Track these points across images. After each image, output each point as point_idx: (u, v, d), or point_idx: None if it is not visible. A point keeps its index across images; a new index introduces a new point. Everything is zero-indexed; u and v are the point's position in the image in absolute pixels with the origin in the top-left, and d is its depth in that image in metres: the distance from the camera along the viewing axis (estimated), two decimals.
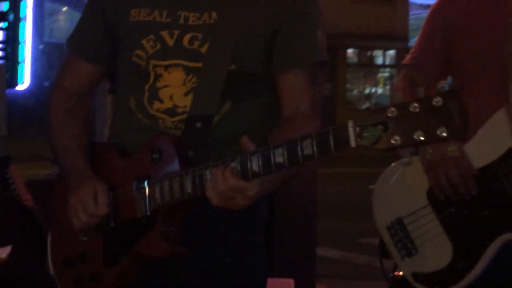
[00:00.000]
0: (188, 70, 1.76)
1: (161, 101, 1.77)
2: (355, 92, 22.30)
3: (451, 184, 2.04)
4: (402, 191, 2.18)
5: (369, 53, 22.24)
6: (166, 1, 1.80)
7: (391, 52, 21.72)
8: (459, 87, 2.21)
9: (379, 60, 22.54)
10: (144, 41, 1.79)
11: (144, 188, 1.69)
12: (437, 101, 1.30)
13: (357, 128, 1.38)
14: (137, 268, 1.74)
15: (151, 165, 1.70)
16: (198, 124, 1.73)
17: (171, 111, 1.76)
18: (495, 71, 2.10)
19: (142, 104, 1.78)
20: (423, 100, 1.32)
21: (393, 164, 2.22)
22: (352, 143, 1.38)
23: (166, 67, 1.77)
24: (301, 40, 1.79)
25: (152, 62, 1.78)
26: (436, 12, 2.26)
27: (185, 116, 1.75)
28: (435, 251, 2.10)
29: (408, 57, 2.32)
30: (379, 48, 21.80)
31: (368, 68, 22.37)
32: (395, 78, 22.00)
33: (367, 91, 22.45)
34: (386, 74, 22.51)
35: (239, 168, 1.53)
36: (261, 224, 1.89)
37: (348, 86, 21.87)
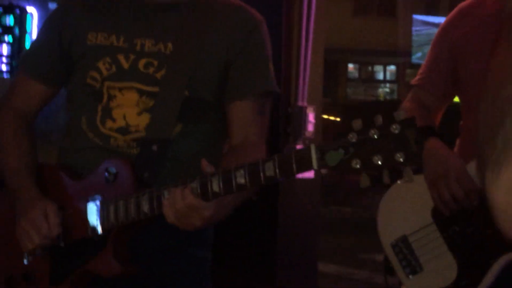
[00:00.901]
0: (141, 93, 1.81)
1: (114, 120, 1.81)
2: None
3: (454, 198, 2.06)
4: (407, 209, 2.19)
5: (369, 68, 22.28)
6: (123, 27, 1.85)
7: (392, 68, 21.76)
8: (466, 107, 2.23)
9: (380, 76, 22.58)
10: (100, 63, 1.83)
11: (97, 207, 1.71)
12: (395, 128, 1.37)
13: (319, 151, 1.43)
14: (84, 285, 1.76)
15: (105, 185, 1.73)
16: (154, 147, 1.76)
17: (124, 130, 1.79)
18: None
19: (94, 124, 1.82)
20: (381, 126, 1.39)
21: (398, 182, 2.23)
22: (314, 165, 1.44)
23: (120, 89, 1.81)
24: (253, 70, 1.85)
25: (107, 83, 1.82)
26: (442, 33, 2.28)
27: (137, 135, 1.79)
28: (440, 269, 2.10)
29: (416, 78, 2.34)
30: (380, 64, 21.84)
31: (369, 83, 22.40)
32: (395, 93, 22.06)
33: None
34: (387, 89, 22.54)
35: (199, 188, 1.57)
36: (208, 240, 1.91)
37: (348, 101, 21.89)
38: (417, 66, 17.71)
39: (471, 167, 2.08)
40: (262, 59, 1.87)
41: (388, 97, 22.25)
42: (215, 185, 1.55)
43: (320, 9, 3.52)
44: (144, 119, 1.80)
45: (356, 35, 19.18)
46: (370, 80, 22.40)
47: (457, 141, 2.28)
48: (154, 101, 1.79)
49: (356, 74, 22.33)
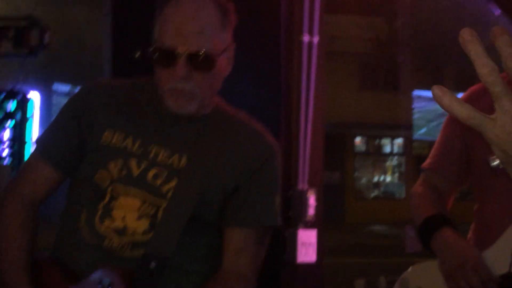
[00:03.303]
0: (144, 201, 1.80)
1: (113, 220, 1.79)
2: (364, 180, 22.25)
3: None
4: None
5: (376, 141, 22.33)
6: (141, 131, 1.84)
7: (399, 141, 21.81)
8: (480, 191, 2.18)
9: (387, 149, 22.61)
10: (111, 164, 1.81)
11: None
12: None
13: None
14: None
15: None
16: (153, 264, 1.73)
17: (121, 231, 1.77)
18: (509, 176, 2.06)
19: (91, 222, 1.79)
20: None
21: (409, 269, 2.18)
22: None
23: (125, 193, 1.80)
24: (258, 201, 1.84)
25: (114, 185, 1.80)
26: (451, 119, 2.24)
27: (133, 238, 1.77)
28: None
29: (427, 161, 2.30)
30: (386, 137, 21.91)
31: (376, 156, 22.41)
32: (403, 166, 22.05)
33: (375, 179, 22.40)
34: (394, 162, 22.52)
35: None
36: None
37: (356, 174, 21.86)
38: (422, 141, 17.70)
39: (487, 255, 2.02)
40: (270, 191, 1.86)
41: (396, 170, 22.22)
42: None
43: (319, 90, 3.52)
44: (143, 224, 1.78)
45: (362, 109, 19.32)
46: (377, 153, 22.41)
47: (472, 226, 2.22)
48: (160, 215, 1.78)
49: (363, 148, 22.37)
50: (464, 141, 2.19)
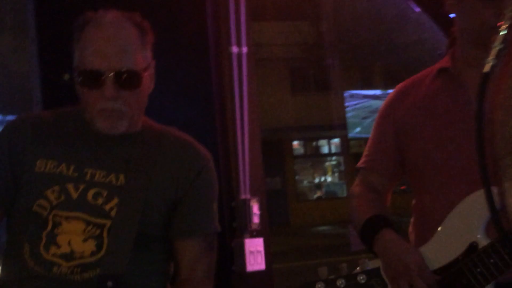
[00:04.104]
0: (88, 223, 1.80)
1: (58, 246, 1.79)
2: (305, 183, 22.45)
3: None
4: None
5: (314, 143, 22.57)
6: (73, 156, 1.85)
7: (336, 141, 22.09)
8: (417, 186, 2.21)
9: (325, 149, 22.87)
10: (48, 192, 1.81)
11: None
12: (362, 278, 1.52)
13: None
14: None
15: None
16: (109, 283, 1.75)
17: (68, 256, 1.77)
18: (447, 168, 2.12)
19: (37, 251, 1.79)
20: (349, 276, 1.49)
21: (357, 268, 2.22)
22: None
23: (67, 218, 1.80)
24: (200, 211, 1.91)
25: (54, 212, 1.80)
26: (384, 114, 2.29)
27: (81, 261, 1.78)
28: None
29: (361, 160, 2.33)
30: (323, 138, 22.16)
31: (315, 158, 22.64)
32: (342, 165, 22.33)
33: (316, 180, 22.62)
34: (334, 162, 22.79)
35: None
36: None
37: (297, 177, 22.03)
38: (359, 138, 17.99)
39: (427, 249, 2.07)
40: (209, 199, 1.93)
41: (336, 170, 22.48)
42: None
43: (252, 99, 3.55)
44: (89, 246, 1.78)
45: (297, 112, 19.50)
46: (316, 155, 22.65)
47: (411, 220, 2.26)
48: (106, 235, 1.79)
49: (301, 151, 22.57)
50: (397, 137, 2.24)
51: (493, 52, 1.05)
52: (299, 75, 20.14)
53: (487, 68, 1.03)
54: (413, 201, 2.25)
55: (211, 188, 1.94)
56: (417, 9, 3.68)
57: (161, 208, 1.85)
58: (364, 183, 2.29)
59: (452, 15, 2.13)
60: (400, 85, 2.31)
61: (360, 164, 2.33)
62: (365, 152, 2.33)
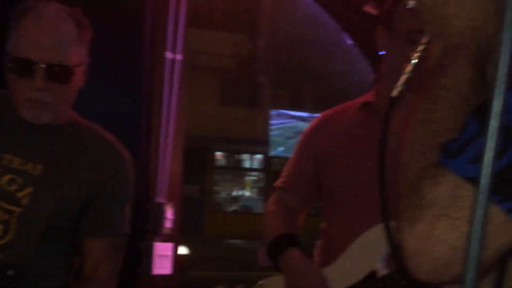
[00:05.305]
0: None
1: None
2: (223, 194, 22.46)
3: None
4: None
5: (236, 156, 22.63)
6: None
7: (258, 156, 22.21)
8: (329, 213, 2.29)
9: (247, 164, 22.96)
10: None
11: None
12: None
13: None
14: None
15: None
16: (10, 272, 1.75)
17: None
18: (357, 199, 2.20)
19: None
20: None
21: (264, 280, 2.27)
22: None
23: None
24: (113, 211, 1.94)
25: None
26: (305, 140, 2.37)
27: None
28: None
29: (280, 180, 2.40)
30: (246, 152, 22.25)
31: (236, 171, 22.69)
32: (262, 181, 22.45)
33: (234, 193, 22.67)
34: (254, 178, 22.90)
35: None
36: None
37: (216, 188, 22.02)
38: (281, 157, 18.14)
39: (330, 271, 2.14)
40: (123, 200, 1.96)
41: (255, 185, 22.59)
42: None
43: (180, 106, 3.59)
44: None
45: (224, 124, 19.53)
46: (237, 168, 22.71)
47: (318, 243, 2.33)
48: (14, 222, 1.78)
49: (223, 162, 22.59)
50: (315, 162, 2.32)
51: (403, 78, 1.09)
52: (230, 87, 20.20)
53: (394, 92, 1.07)
54: (322, 225, 2.33)
55: (125, 190, 1.96)
56: (350, 41, 3.81)
57: (74, 203, 1.86)
58: (279, 202, 2.37)
59: (381, 52, 2.23)
60: (324, 113, 2.40)
61: (277, 183, 2.40)
62: (284, 173, 2.40)
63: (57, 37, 1.81)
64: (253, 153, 22.09)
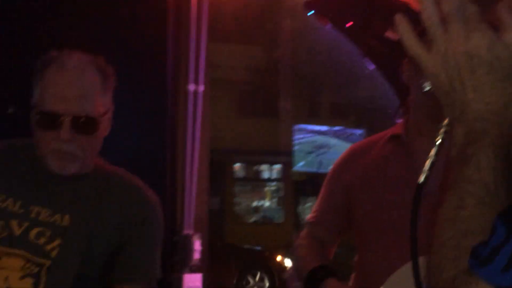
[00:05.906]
0: (28, 260, 1.81)
1: None
2: (243, 205, 22.45)
3: None
4: None
5: (255, 167, 22.62)
6: (21, 192, 1.86)
7: (277, 166, 22.19)
8: (362, 244, 2.31)
9: (266, 174, 22.94)
10: None
11: None
12: None
13: None
14: None
15: None
16: None
17: None
18: (389, 232, 2.20)
19: None
20: None
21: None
22: None
23: (7, 253, 1.82)
24: (143, 258, 1.92)
25: None
26: (335, 175, 2.39)
27: None
28: None
29: (310, 215, 2.42)
30: (265, 163, 22.23)
31: (255, 182, 22.67)
32: (281, 191, 22.42)
33: (254, 204, 22.65)
34: (273, 188, 22.87)
35: None
36: None
37: (236, 199, 22.02)
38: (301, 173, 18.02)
39: None
40: (153, 245, 1.95)
41: (274, 195, 22.55)
42: None
43: (204, 137, 3.61)
44: (26, 283, 1.79)
45: (241, 135, 19.54)
46: (256, 179, 22.69)
47: (352, 276, 2.34)
48: (44, 274, 1.79)
49: (242, 174, 22.58)
50: (345, 196, 2.33)
51: (427, 163, 1.02)
52: (248, 99, 20.22)
53: (421, 178, 1.01)
54: (356, 257, 2.34)
55: (155, 235, 1.96)
56: (371, 67, 3.81)
57: (103, 252, 1.87)
58: (310, 236, 2.38)
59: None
60: (353, 146, 2.41)
61: (308, 218, 2.42)
62: (314, 208, 2.42)
63: (82, 89, 1.83)
64: (271, 163, 22.07)
